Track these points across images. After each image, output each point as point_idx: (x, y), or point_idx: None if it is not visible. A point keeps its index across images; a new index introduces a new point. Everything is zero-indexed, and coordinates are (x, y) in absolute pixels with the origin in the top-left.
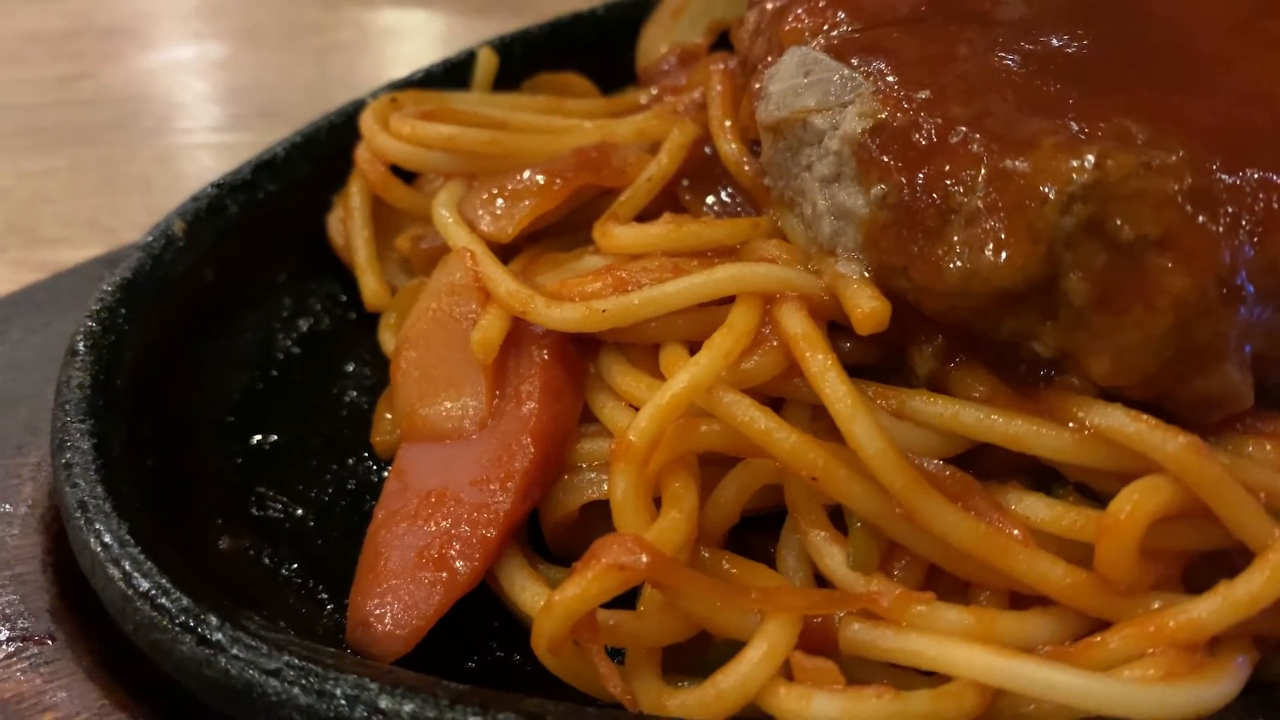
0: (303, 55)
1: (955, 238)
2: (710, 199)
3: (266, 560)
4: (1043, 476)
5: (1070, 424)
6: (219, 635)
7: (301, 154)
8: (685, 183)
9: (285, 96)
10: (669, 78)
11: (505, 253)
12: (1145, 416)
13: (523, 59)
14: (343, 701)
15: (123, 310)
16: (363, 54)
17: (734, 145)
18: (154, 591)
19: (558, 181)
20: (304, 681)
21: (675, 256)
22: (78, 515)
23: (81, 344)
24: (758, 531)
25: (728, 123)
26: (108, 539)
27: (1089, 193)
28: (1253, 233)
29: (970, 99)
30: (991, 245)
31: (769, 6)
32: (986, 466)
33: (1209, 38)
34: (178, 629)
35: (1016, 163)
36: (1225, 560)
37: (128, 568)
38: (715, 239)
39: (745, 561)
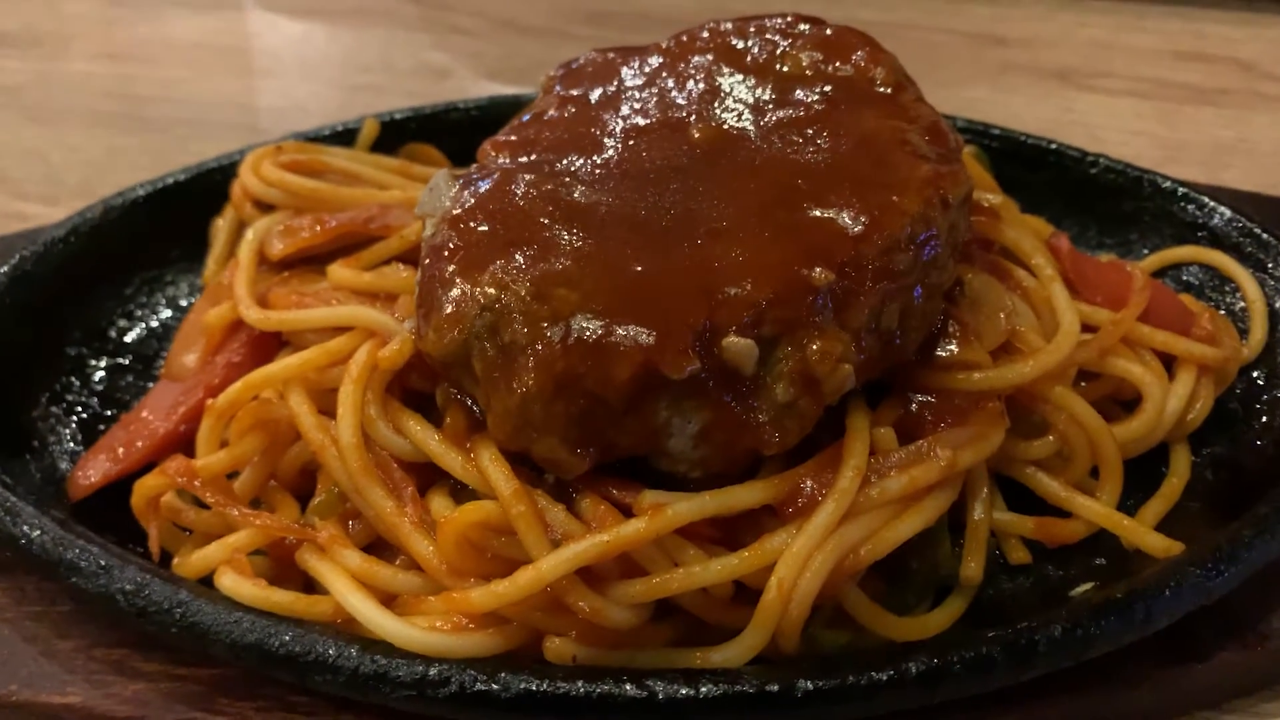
0: (336, 90)
1: (430, 319)
2: None
3: (60, 430)
4: None
5: (470, 455)
6: None
7: (207, 177)
8: None
9: (311, 122)
10: None
11: (285, 267)
12: (499, 459)
13: (415, 132)
14: (25, 528)
15: (34, 260)
16: (384, 95)
17: None
18: None
19: (319, 226)
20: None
21: (361, 293)
22: None
23: (1, 273)
24: None
25: None
26: None
27: (491, 307)
28: (598, 356)
29: (490, 228)
30: (437, 327)
31: None
32: None
33: (727, 213)
34: None
35: (468, 277)
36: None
37: None
38: (384, 287)
39: (288, 499)
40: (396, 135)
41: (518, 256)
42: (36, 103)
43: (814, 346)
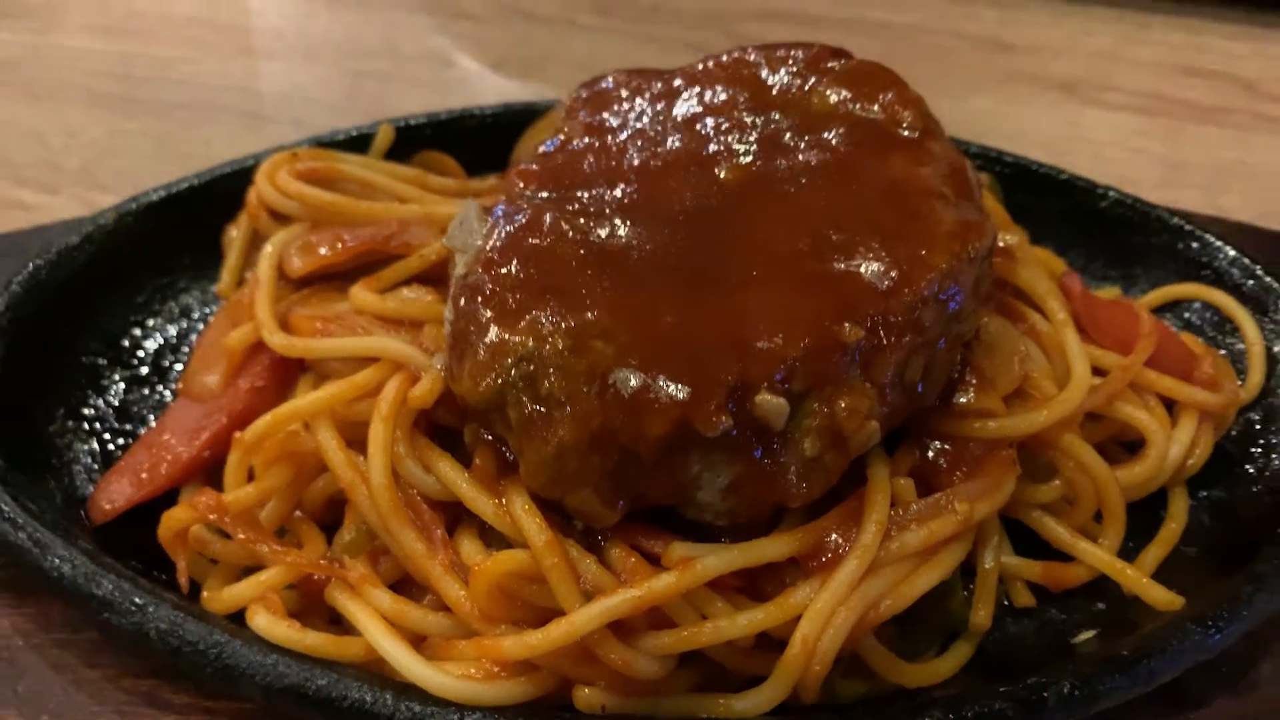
0: (341, 74)
1: (465, 363)
2: None
3: (78, 445)
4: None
5: (500, 500)
6: None
7: (223, 182)
8: None
9: (315, 112)
10: None
11: (303, 283)
12: (532, 510)
13: (430, 138)
14: (55, 561)
15: (49, 268)
16: (390, 83)
17: None
18: None
19: (342, 243)
20: (4, 514)
21: (383, 319)
22: None
23: (16, 282)
24: None
25: None
26: None
27: (529, 357)
28: (633, 411)
29: (524, 272)
30: (472, 372)
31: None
32: None
33: (757, 260)
34: None
35: (504, 324)
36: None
37: None
38: (409, 314)
39: (314, 531)
40: (411, 140)
41: (553, 304)
42: (33, 78)
43: (842, 404)
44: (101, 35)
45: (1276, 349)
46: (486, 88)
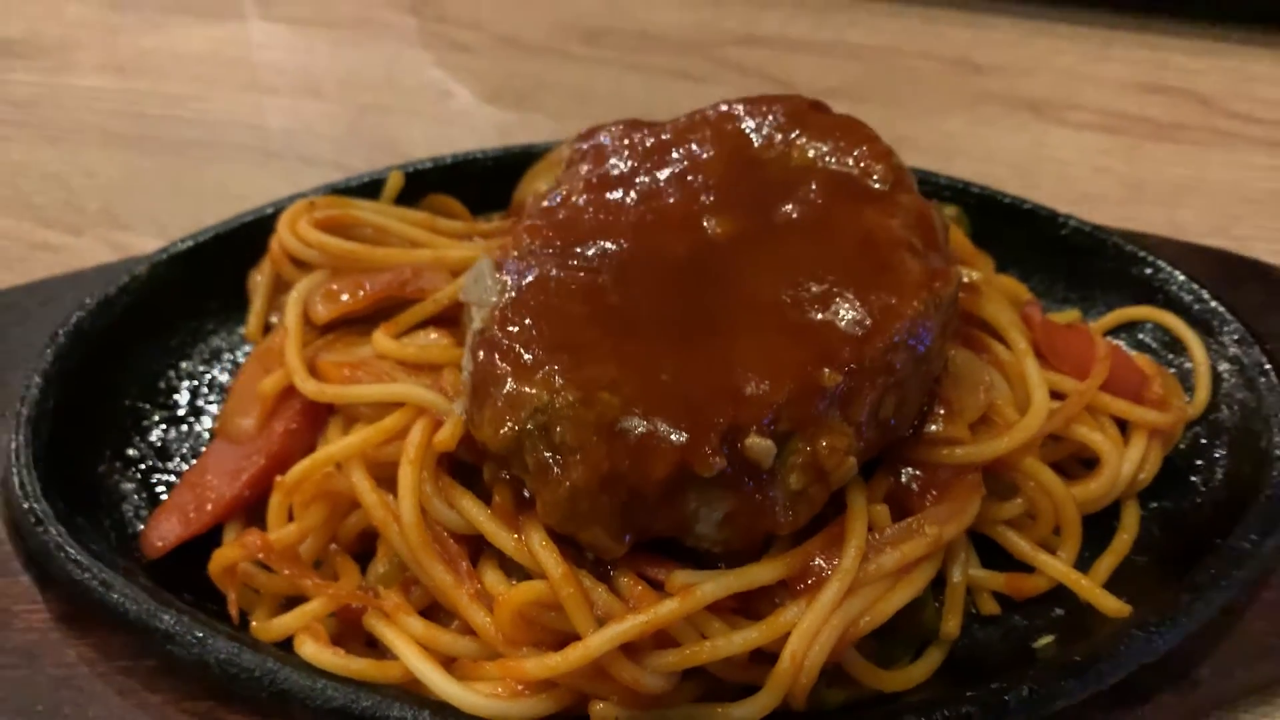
0: (343, 108)
1: (484, 412)
2: None
3: (125, 485)
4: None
5: (518, 535)
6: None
7: (245, 231)
8: None
9: (321, 146)
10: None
11: (327, 328)
12: (549, 545)
13: (435, 181)
14: (117, 598)
15: (90, 318)
16: (391, 115)
17: None
18: (25, 496)
19: (363, 290)
20: (71, 557)
21: (405, 363)
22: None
23: (61, 333)
24: None
25: None
26: (16, 456)
27: (543, 409)
28: (638, 456)
29: (536, 328)
30: (491, 421)
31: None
32: None
33: (745, 311)
34: (28, 515)
35: (520, 378)
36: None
37: (20, 477)
38: (428, 359)
39: (348, 562)
40: (419, 182)
41: (564, 359)
42: (49, 119)
43: (823, 443)
44: (113, 74)
45: (1221, 368)
46: (484, 117)
